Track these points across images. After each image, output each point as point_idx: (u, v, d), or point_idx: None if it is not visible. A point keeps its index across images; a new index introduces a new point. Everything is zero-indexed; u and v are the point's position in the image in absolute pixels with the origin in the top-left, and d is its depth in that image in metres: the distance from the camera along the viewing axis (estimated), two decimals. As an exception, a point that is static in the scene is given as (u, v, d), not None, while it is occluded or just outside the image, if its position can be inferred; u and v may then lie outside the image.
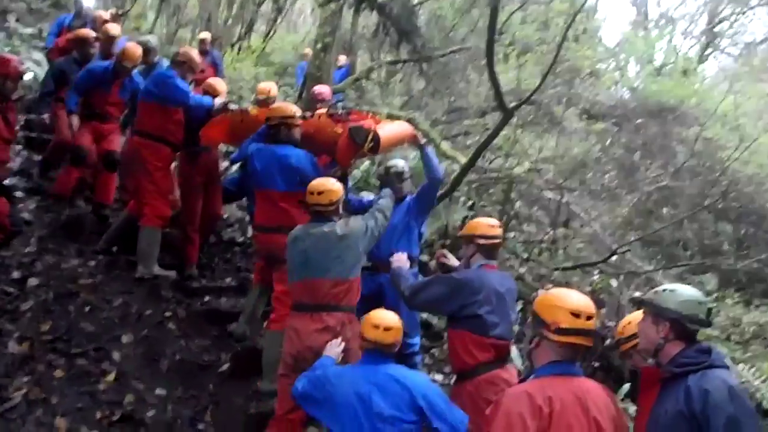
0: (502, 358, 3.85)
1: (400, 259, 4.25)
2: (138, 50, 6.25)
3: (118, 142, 6.49)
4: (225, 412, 4.89)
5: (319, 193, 4.21)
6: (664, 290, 2.94)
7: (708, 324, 2.91)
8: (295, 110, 5.04)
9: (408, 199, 5.19)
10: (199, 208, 6.08)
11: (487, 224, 4.19)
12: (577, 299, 2.73)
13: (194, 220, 6.09)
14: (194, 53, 6.01)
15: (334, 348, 3.82)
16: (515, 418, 2.46)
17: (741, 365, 7.53)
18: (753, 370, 7.53)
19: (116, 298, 5.40)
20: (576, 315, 2.64)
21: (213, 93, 5.89)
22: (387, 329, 3.51)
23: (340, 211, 4.31)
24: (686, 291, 2.93)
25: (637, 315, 3.29)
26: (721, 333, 8.60)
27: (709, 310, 2.88)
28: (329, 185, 4.26)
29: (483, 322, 3.80)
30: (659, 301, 2.88)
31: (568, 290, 2.85)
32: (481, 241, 4.09)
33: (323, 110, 5.33)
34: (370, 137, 4.65)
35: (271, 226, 4.89)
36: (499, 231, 4.21)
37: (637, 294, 6.24)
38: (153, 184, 5.70)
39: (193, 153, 5.93)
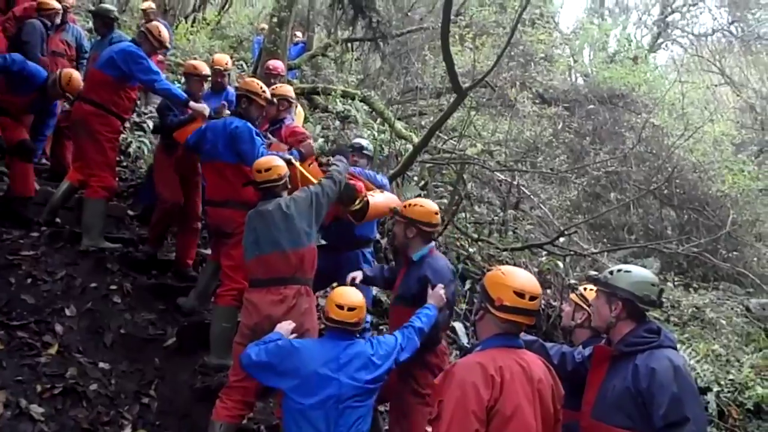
0: None
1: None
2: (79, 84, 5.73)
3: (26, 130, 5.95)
4: (170, 386, 4.88)
5: (267, 170, 4.26)
6: (619, 270, 3.06)
7: (659, 305, 3.06)
8: (264, 90, 5.07)
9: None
10: (173, 194, 5.67)
11: (433, 211, 4.24)
12: (523, 279, 2.81)
13: (167, 208, 5.67)
14: (164, 30, 5.82)
15: (285, 326, 3.83)
16: (469, 387, 2.54)
17: (679, 346, 7.82)
18: (689, 350, 7.83)
19: (59, 271, 5.28)
20: (520, 295, 2.73)
21: (195, 72, 5.80)
22: (351, 309, 3.56)
23: (288, 186, 4.35)
24: (640, 272, 3.07)
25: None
26: (660, 315, 8.90)
27: (661, 291, 3.02)
28: (275, 162, 4.33)
29: (451, 310, 4.13)
30: (614, 281, 3.01)
31: (517, 269, 2.92)
32: (425, 228, 4.18)
33: (313, 159, 5.08)
34: (359, 201, 4.54)
35: (218, 200, 4.91)
36: (439, 219, 4.33)
37: (592, 272, 6.45)
38: (101, 155, 5.57)
39: (170, 144, 5.66)
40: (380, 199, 4.75)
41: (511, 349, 2.74)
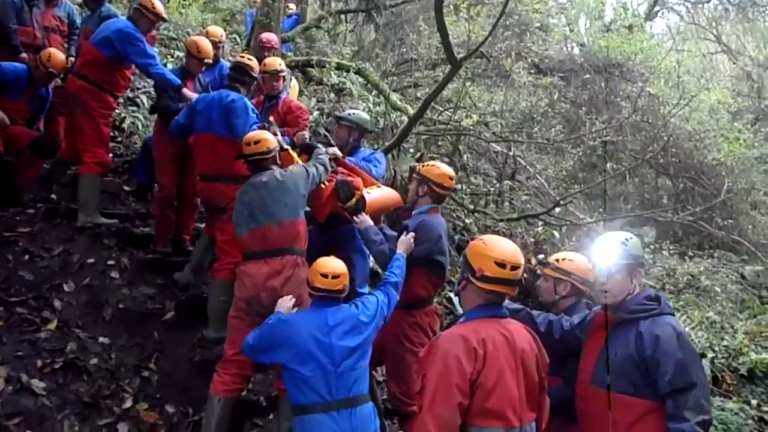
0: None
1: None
2: (62, 58, 5.71)
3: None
4: (170, 359, 4.92)
5: (256, 143, 4.28)
6: (628, 240, 3.09)
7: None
8: (255, 66, 5.14)
9: (362, 156, 5.19)
10: (172, 181, 5.58)
11: (448, 175, 4.33)
12: (504, 249, 2.81)
13: (168, 194, 5.57)
14: (157, 2, 5.68)
15: (286, 303, 3.86)
16: (452, 360, 2.57)
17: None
18: (685, 318, 7.91)
19: (56, 247, 5.29)
20: (501, 265, 2.75)
21: (196, 54, 5.70)
22: (335, 277, 3.62)
23: (278, 160, 4.37)
24: (636, 238, 3.16)
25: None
26: (656, 282, 8.97)
27: None
28: (264, 135, 4.37)
29: (442, 268, 4.18)
30: (631, 250, 3.05)
31: (500, 239, 2.92)
32: (437, 189, 4.28)
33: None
34: (355, 199, 4.48)
35: (211, 174, 4.92)
36: (452, 184, 4.41)
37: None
38: (95, 131, 5.53)
39: (168, 124, 5.50)
40: (378, 195, 4.70)
41: (495, 319, 2.76)
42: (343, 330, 3.55)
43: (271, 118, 5.26)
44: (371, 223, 4.33)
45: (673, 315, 3.01)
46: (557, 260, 3.76)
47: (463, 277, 2.88)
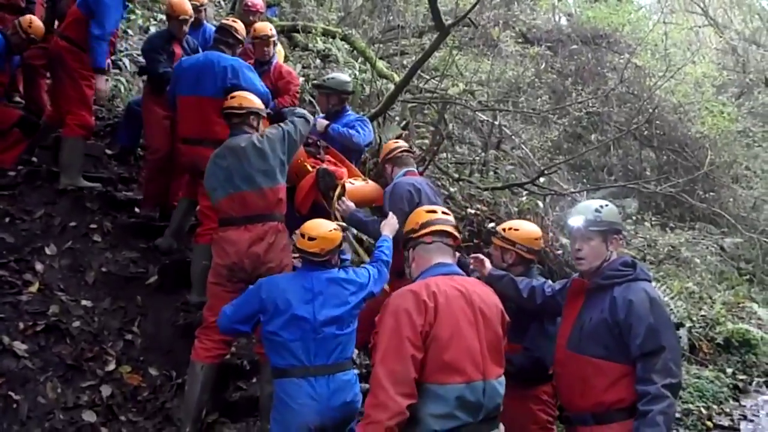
0: None
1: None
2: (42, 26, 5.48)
3: None
4: (153, 323, 4.93)
5: (232, 98, 4.26)
6: (602, 207, 3.11)
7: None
8: (240, 28, 5.12)
9: (345, 121, 5.15)
10: (164, 144, 5.44)
11: (391, 142, 4.70)
12: (432, 207, 3.08)
13: (160, 157, 5.44)
14: None
15: None
16: (402, 314, 2.56)
17: (654, 283, 8.00)
18: (664, 288, 8.03)
19: (38, 210, 5.23)
20: (431, 211, 2.94)
21: (174, 14, 5.57)
22: (311, 239, 3.53)
23: (257, 124, 4.30)
24: (613, 206, 3.19)
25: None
26: (637, 253, 9.08)
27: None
28: (244, 93, 4.35)
29: None
30: (605, 217, 3.07)
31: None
32: (389, 156, 4.56)
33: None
34: (338, 191, 4.38)
35: (195, 137, 4.86)
36: (400, 142, 4.70)
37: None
38: (77, 92, 5.43)
39: (156, 88, 5.49)
40: (360, 187, 4.66)
41: (448, 276, 2.75)
42: (327, 296, 3.50)
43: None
44: (354, 206, 4.35)
45: (649, 281, 3.04)
46: (504, 230, 3.83)
47: (407, 247, 2.94)
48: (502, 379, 2.68)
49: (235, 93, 4.32)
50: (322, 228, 3.62)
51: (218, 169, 4.15)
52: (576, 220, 3.10)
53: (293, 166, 4.45)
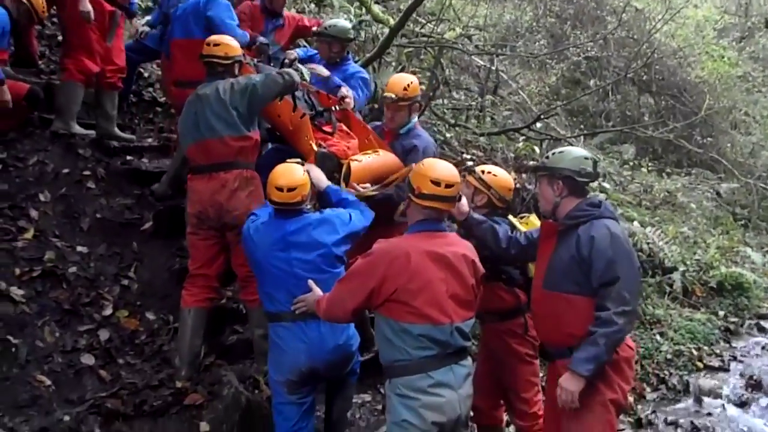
0: None
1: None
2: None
3: None
4: (149, 268, 4.94)
5: (215, 45, 4.17)
6: (554, 153, 3.29)
7: (596, 176, 3.34)
8: None
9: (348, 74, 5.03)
10: None
11: (413, 83, 4.46)
12: (441, 169, 3.02)
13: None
14: None
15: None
16: (370, 266, 2.91)
17: (649, 228, 8.05)
18: (659, 233, 8.07)
19: (30, 157, 5.19)
20: (436, 183, 2.96)
21: None
22: (291, 189, 3.42)
23: (236, 72, 4.21)
24: (574, 150, 3.34)
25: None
26: (633, 199, 9.09)
27: (595, 163, 3.25)
28: (227, 40, 4.24)
29: None
30: (551, 163, 3.23)
31: (440, 162, 3.11)
32: (414, 100, 4.46)
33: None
34: (343, 172, 4.04)
35: (186, 80, 4.79)
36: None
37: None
38: (78, 38, 5.34)
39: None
40: (370, 162, 4.16)
41: (432, 233, 2.99)
42: (302, 241, 3.42)
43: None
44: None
45: (614, 219, 3.18)
46: (482, 171, 3.79)
47: (405, 196, 3.09)
48: (470, 321, 3.02)
49: (218, 39, 4.20)
50: (296, 174, 3.50)
51: (189, 114, 4.12)
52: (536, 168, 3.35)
53: (299, 141, 4.30)
